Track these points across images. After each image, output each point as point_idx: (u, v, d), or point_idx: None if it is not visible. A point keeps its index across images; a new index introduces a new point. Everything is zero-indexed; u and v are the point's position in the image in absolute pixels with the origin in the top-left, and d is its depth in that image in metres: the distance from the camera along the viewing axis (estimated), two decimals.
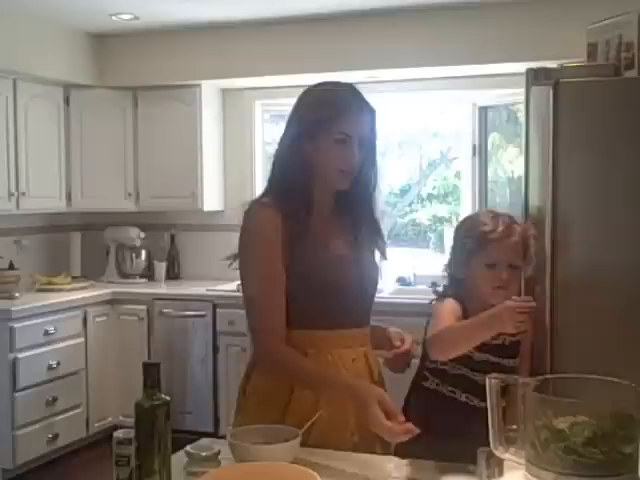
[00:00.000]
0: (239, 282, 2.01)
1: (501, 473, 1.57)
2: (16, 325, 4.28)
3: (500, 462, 1.58)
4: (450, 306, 2.07)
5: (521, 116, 3.79)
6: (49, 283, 4.90)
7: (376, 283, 2.12)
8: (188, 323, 4.84)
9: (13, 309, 4.30)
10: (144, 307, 4.95)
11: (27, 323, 4.34)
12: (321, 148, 1.96)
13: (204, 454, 1.73)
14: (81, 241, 5.43)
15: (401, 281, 4.90)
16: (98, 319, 4.89)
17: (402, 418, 1.74)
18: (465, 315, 2.05)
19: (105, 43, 5.20)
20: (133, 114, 5.24)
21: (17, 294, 4.57)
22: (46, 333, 4.45)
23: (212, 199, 5.27)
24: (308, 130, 1.96)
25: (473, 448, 1.60)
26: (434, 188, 5.54)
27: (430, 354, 2.02)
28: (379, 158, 2.08)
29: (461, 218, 2.27)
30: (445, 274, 2.21)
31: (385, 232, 2.18)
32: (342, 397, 1.85)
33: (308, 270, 1.94)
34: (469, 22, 4.44)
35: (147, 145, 5.22)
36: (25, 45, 4.63)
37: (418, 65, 4.61)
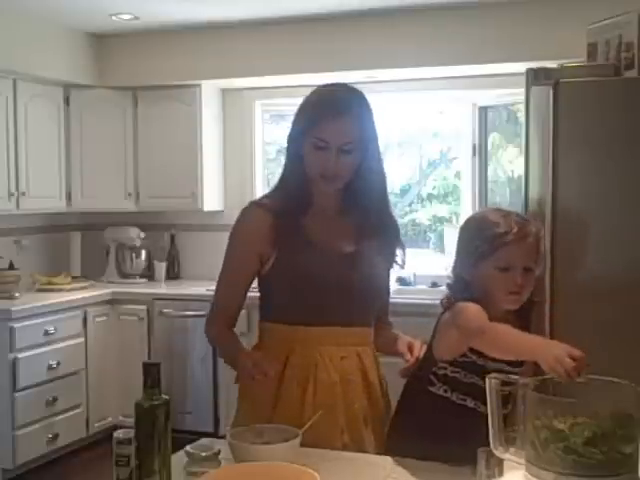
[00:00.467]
0: None
1: (501, 473, 1.57)
2: (16, 325, 4.28)
3: (500, 462, 1.58)
4: (479, 307, 1.88)
5: (521, 116, 3.80)
6: (49, 283, 4.90)
7: (377, 285, 2.11)
8: (188, 323, 4.84)
9: (13, 309, 4.29)
10: (144, 307, 4.95)
11: (27, 323, 4.34)
12: (305, 153, 1.99)
13: (204, 454, 1.73)
14: (81, 241, 5.43)
15: (401, 281, 4.90)
16: (98, 319, 4.88)
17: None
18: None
19: (105, 43, 5.20)
20: (133, 114, 5.24)
21: (17, 294, 4.57)
22: (46, 333, 4.45)
23: (212, 199, 5.27)
24: (295, 134, 2.02)
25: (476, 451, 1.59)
26: (434, 188, 5.54)
27: (470, 341, 1.87)
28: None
29: (466, 217, 2.12)
30: (450, 275, 2.09)
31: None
32: (235, 366, 2.00)
33: (294, 268, 1.99)
34: (468, 22, 4.43)
35: (147, 145, 5.22)
36: (25, 45, 4.63)
37: (417, 65, 4.61)
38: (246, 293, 2.11)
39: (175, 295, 4.98)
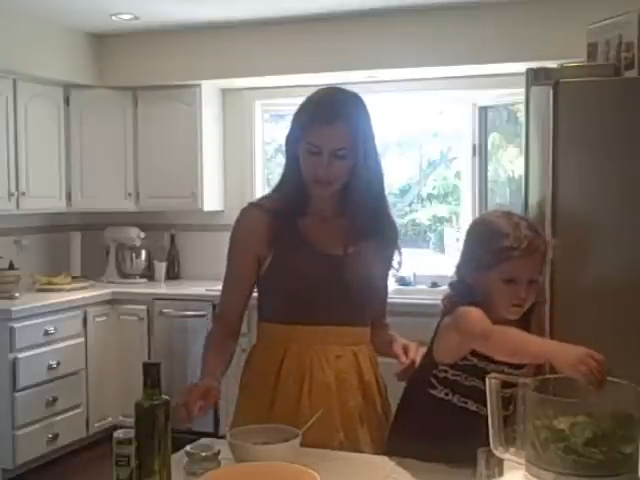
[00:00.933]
0: None
1: (501, 473, 1.57)
2: (16, 325, 4.28)
3: (500, 462, 1.57)
4: (481, 311, 1.85)
5: (521, 116, 3.80)
6: (49, 283, 4.90)
7: (374, 285, 2.10)
8: (188, 323, 4.84)
9: (13, 309, 4.29)
10: (144, 307, 4.95)
11: (27, 323, 4.34)
12: (300, 156, 2.00)
13: (204, 454, 1.73)
14: (81, 241, 5.43)
15: (401, 281, 4.90)
16: (98, 319, 4.89)
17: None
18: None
19: (105, 43, 5.20)
20: (133, 114, 5.24)
21: (17, 294, 4.57)
22: (46, 333, 4.45)
23: (212, 199, 5.27)
24: (291, 137, 2.03)
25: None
26: (434, 188, 5.54)
27: (473, 345, 1.84)
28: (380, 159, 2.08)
29: (473, 219, 2.03)
30: (453, 275, 2.06)
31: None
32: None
33: (290, 268, 2.00)
34: (469, 22, 4.43)
35: (147, 145, 5.22)
36: (25, 45, 4.63)
37: (417, 65, 4.61)
38: (247, 297, 2.10)
39: (175, 295, 4.99)
